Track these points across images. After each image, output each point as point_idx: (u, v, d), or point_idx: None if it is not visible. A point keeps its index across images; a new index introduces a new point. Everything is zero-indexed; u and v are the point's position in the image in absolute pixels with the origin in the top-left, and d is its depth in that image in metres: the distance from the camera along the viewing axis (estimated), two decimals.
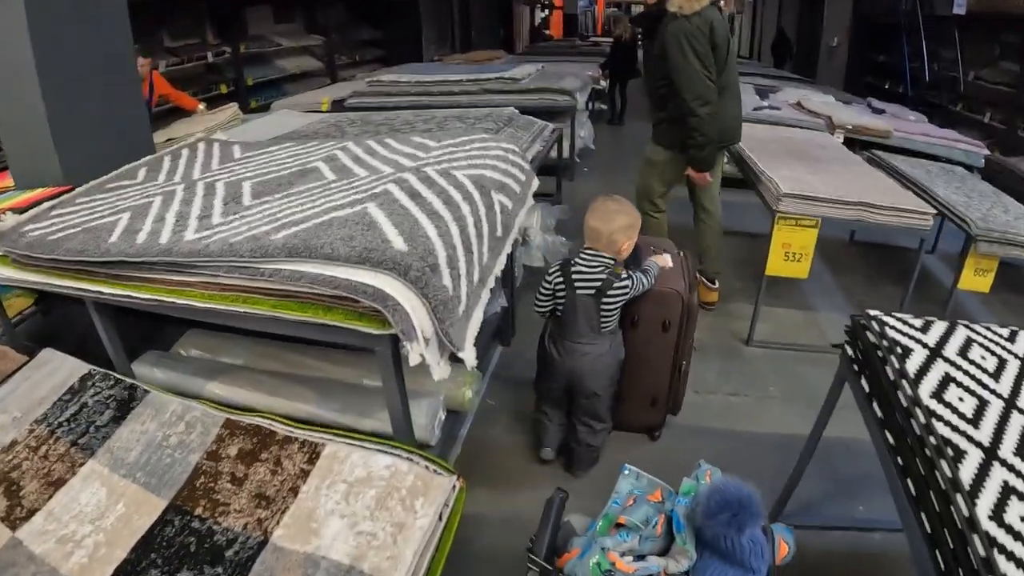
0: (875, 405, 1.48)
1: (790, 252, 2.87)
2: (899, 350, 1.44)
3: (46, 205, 2.06)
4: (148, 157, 2.45)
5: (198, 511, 1.53)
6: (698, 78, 3.03)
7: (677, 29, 3.04)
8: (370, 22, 10.62)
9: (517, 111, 3.84)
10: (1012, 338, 1.58)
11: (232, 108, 4.45)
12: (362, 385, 2.08)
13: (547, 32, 20.05)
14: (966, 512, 1.12)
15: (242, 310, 1.49)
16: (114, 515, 1.54)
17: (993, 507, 1.11)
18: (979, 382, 1.41)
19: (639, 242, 2.34)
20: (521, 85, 5.16)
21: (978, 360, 1.49)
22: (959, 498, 1.14)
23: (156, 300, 1.61)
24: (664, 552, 1.46)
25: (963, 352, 1.50)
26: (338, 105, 5.21)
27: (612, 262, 2.15)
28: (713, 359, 3.06)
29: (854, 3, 11.13)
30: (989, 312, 3.70)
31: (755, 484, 1.40)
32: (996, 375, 1.45)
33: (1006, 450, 1.23)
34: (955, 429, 1.26)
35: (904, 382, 1.37)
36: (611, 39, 9.61)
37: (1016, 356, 1.52)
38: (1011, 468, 1.19)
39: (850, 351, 1.64)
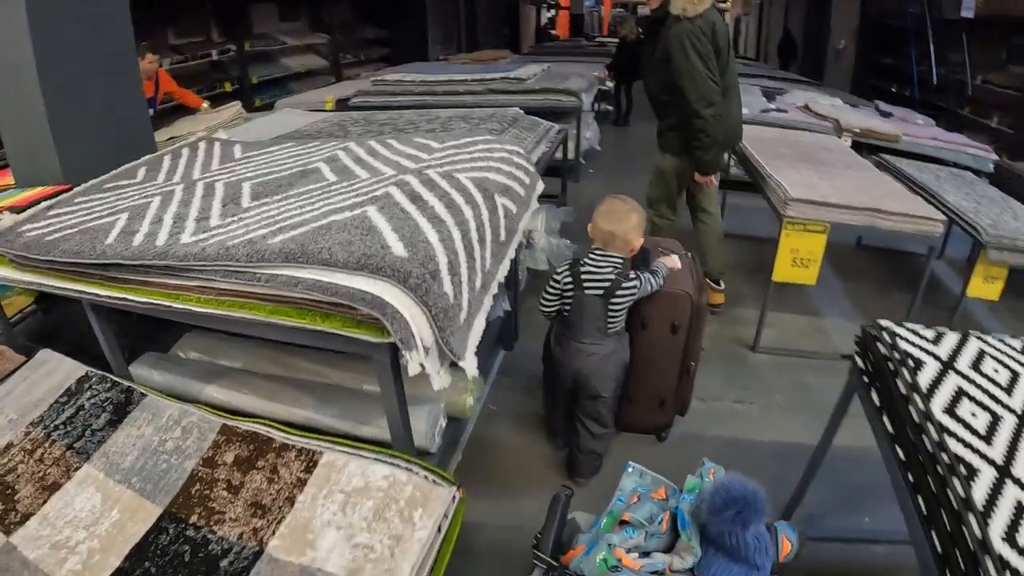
0: (885, 419, 1.44)
1: (798, 257, 2.83)
2: (911, 362, 1.40)
3: (43, 205, 2.03)
4: (148, 156, 2.42)
5: (193, 519, 1.51)
6: (702, 80, 3.03)
7: (680, 31, 3.03)
8: (375, 21, 10.62)
9: (522, 111, 3.81)
10: None
11: (235, 106, 4.42)
12: (362, 391, 2.05)
13: (553, 32, 20.01)
14: (978, 533, 1.08)
15: (239, 315, 1.46)
16: (108, 521, 1.53)
17: (1006, 528, 1.08)
18: (992, 396, 1.38)
19: (648, 243, 2.36)
20: (526, 85, 5.13)
21: (991, 373, 1.45)
22: (971, 518, 1.11)
23: (152, 304, 1.58)
24: (669, 549, 1.46)
25: (976, 365, 1.46)
26: (342, 104, 5.19)
27: (621, 262, 2.15)
28: (718, 365, 3.02)
29: (861, 5, 11.06)
30: (997, 319, 3.66)
31: None
32: (1009, 389, 1.41)
33: (1020, 468, 1.20)
34: (968, 446, 1.23)
35: (916, 396, 1.33)
36: (617, 40, 9.56)
37: None
38: None
39: (860, 362, 1.60)
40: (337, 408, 1.95)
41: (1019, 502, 1.13)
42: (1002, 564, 1.02)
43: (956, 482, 1.17)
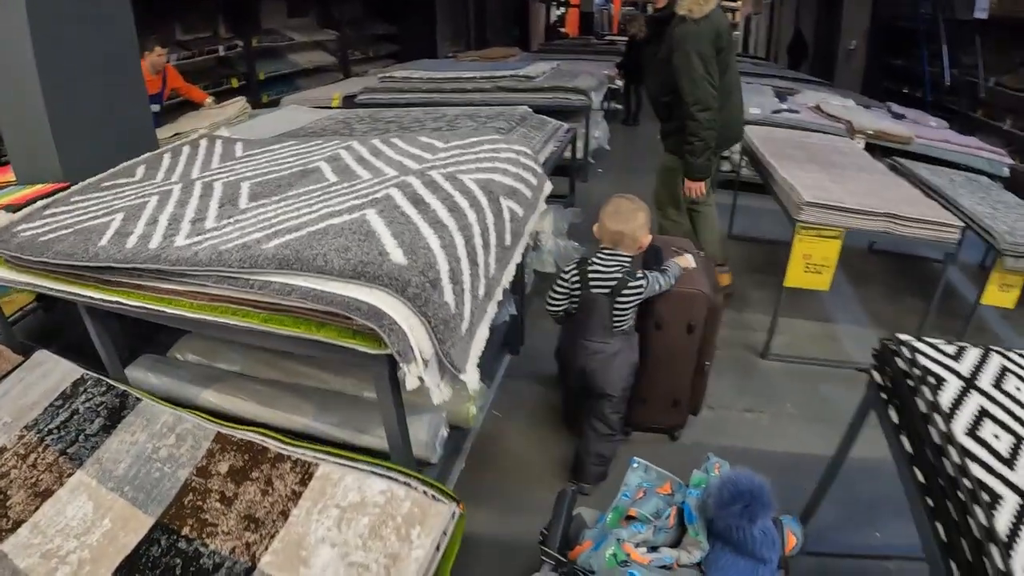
0: (904, 438, 1.38)
1: (811, 263, 2.76)
2: (931, 380, 1.34)
3: (40, 204, 2.00)
4: (148, 154, 2.38)
5: (185, 531, 1.47)
6: (701, 83, 3.03)
7: (685, 32, 3.02)
8: (384, 17, 10.56)
9: (530, 110, 3.75)
10: None
11: (240, 102, 4.38)
12: (362, 398, 1.99)
13: (563, 30, 19.91)
14: (1001, 565, 1.03)
15: (232, 323, 1.41)
16: (100, 531, 1.50)
17: None
18: (1016, 417, 1.31)
19: (659, 242, 2.36)
20: (535, 83, 5.07)
21: (1013, 392, 1.39)
22: (993, 549, 1.05)
23: (145, 308, 1.54)
24: (676, 543, 1.47)
25: (998, 383, 1.40)
26: (349, 101, 5.14)
27: (630, 261, 2.16)
28: (728, 372, 2.96)
29: (873, 6, 10.93)
30: (1011, 327, 3.59)
31: None
32: None
33: None
34: (990, 471, 1.17)
35: (937, 416, 1.27)
36: (626, 38, 9.47)
37: None
38: None
39: (878, 377, 1.54)
40: (336, 416, 1.90)
41: None
42: None
43: (978, 510, 1.11)
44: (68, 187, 2.15)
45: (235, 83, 6.76)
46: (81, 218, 1.82)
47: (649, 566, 1.38)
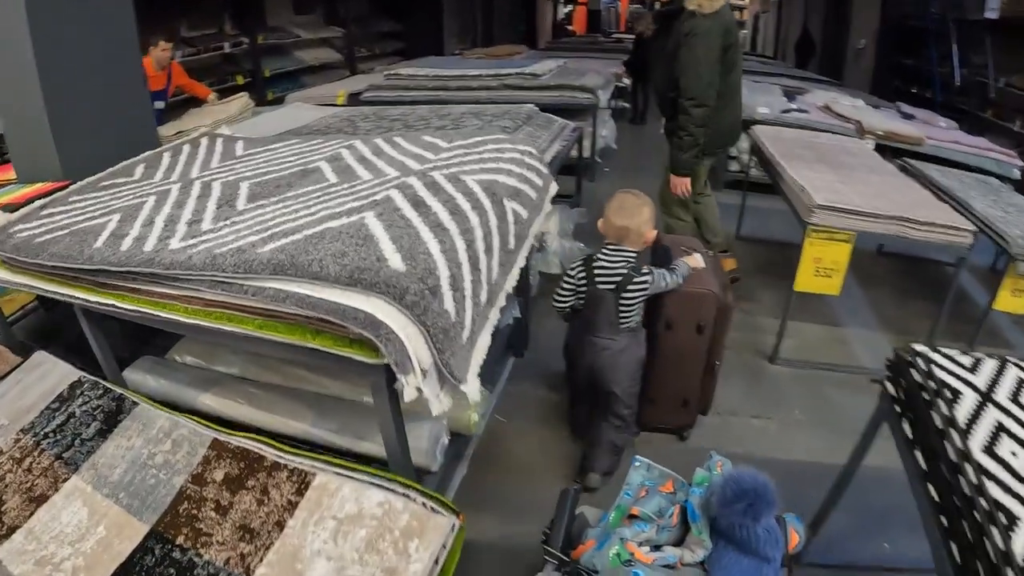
0: (918, 454, 1.33)
1: (821, 267, 2.71)
2: (947, 393, 1.29)
3: (37, 204, 1.98)
4: (148, 153, 2.35)
5: (179, 540, 1.45)
6: (703, 79, 3.03)
7: (693, 26, 3.01)
8: (391, 14, 10.52)
9: (536, 108, 3.69)
10: None
11: (242, 98, 4.34)
12: (362, 403, 1.95)
13: (570, 28, 19.82)
14: None
15: (227, 328, 1.38)
16: (94, 538, 1.48)
17: None
18: None
19: (668, 241, 2.38)
20: (541, 81, 5.01)
21: None
22: (1010, 573, 1.01)
23: (139, 312, 1.51)
24: (679, 542, 1.46)
25: (1015, 396, 1.35)
26: (355, 99, 5.10)
27: (635, 257, 2.16)
28: (736, 377, 2.90)
29: (882, 4, 10.82)
30: (1021, 332, 3.53)
31: None
32: None
33: None
34: (1008, 491, 1.12)
35: (953, 432, 1.23)
36: (633, 36, 9.40)
37: None
38: None
39: (891, 389, 1.49)
40: (335, 422, 1.86)
41: None
42: None
43: (995, 531, 1.07)
44: (67, 186, 2.12)
45: (240, 80, 6.74)
46: (78, 219, 1.79)
47: (653, 565, 1.37)
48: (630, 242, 2.16)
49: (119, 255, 1.50)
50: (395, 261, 1.32)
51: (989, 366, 1.42)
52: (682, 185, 3.32)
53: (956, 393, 1.30)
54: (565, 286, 2.24)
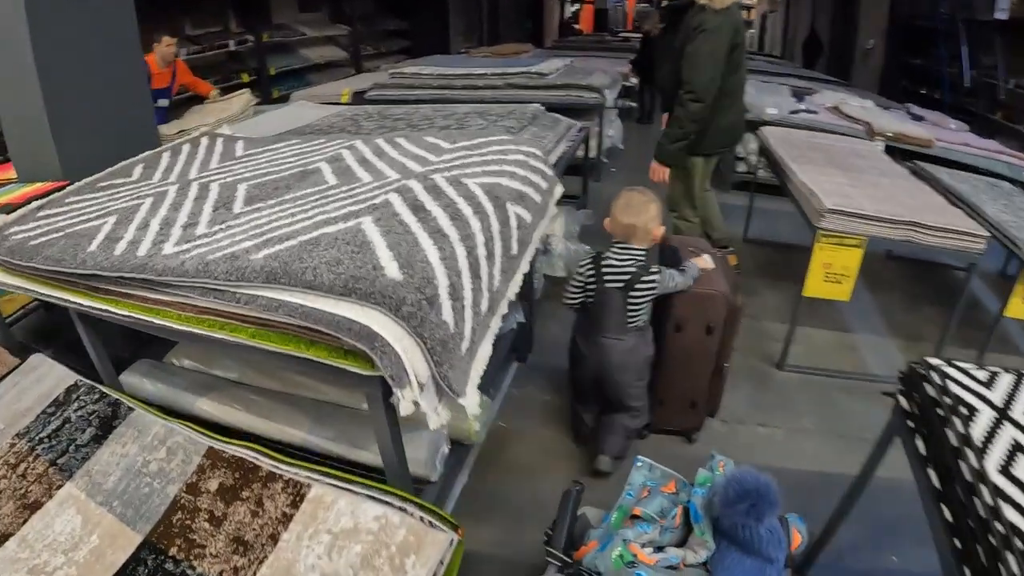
0: (931, 471, 1.29)
1: (831, 273, 2.65)
2: (963, 410, 1.25)
3: (34, 205, 1.96)
4: (147, 153, 2.33)
5: (172, 551, 1.42)
6: (705, 74, 3.01)
7: (703, 21, 2.99)
8: (396, 13, 10.49)
9: (542, 108, 3.66)
10: None
11: (244, 95, 4.31)
12: (360, 411, 1.91)
13: (577, 27, 19.74)
14: None
15: (219, 336, 1.34)
16: (87, 547, 1.46)
17: None
18: None
19: (676, 242, 2.37)
20: (548, 80, 4.98)
21: None
22: None
23: (133, 318, 1.48)
24: (682, 543, 1.46)
25: None
26: (359, 97, 5.08)
27: (643, 255, 2.15)
28: (742, 384, 2.84)
29: (891, 4, 10.71)
30: None
31: None
32: None
33: None
34: None
35: (968, 451, 1.18)
36: (640, 35, 9.34)
37: None
38: None
39: (904, 403, 1.44)
40: (333, 430, 1.83)
41: None
42: None
43: (1011, 558, 1.02)
44: (66, 186, 2.10)
45: (245, 78, 6.72)
46: (73, 221, 1.77)
47: (656, 567, 1.37)
48: (638, 240, 2.15)
49: (112, 260, 1.47)
50: (392, 270, 1.28)
51: (1005, 381, 1.37)
52: (661, 173, 3.34)
53: (972, 410, 1.25)
54: (575, 284, 2.24)
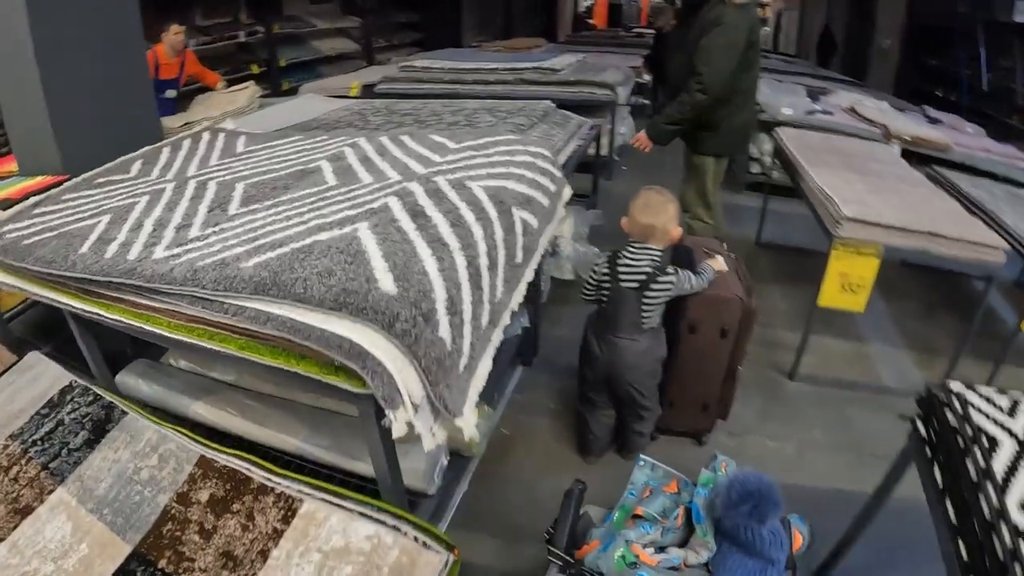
0: (948, 503, 1.22)
1: (847, 282, 2.58)
2: (985, 441, 1.19)
3: (31, 201, 1.92)
4: (146, 148, 2.28)
5: (162, 563, 1.38)
6: (717, 66, 2.98)
7: (721, 14, 2.96)
8: (409, 5, 10.42)
9: (553, 105, 3.59)
10: None
11: (250, 87, 4.25)
12: (356, 418, 1.87)
13: (590, 22, 19.56)
14: None
15: (208, 346, 1.30)
16: (77, 556, 1.42)
17: None
18: None
19: (690, 243, 2.36)
20: (560, 76, 4.91)
21: None
22: None
23: (123, 322, 1.44)
24: (683, 543, 1.47)
25: None
26: (369, 90, 5.03)
27: (660, 255, 2.14)
28: (752, 395, 2.78)
29: (908, 3, 10.51)
30: None
31: None
32: None
33: None
34: None
35: (989, 485, 1.12)
36: (654, 31, 9.22)
37: None
38: None
39: (922, 429, 1.38)
40: (328, 438, 1.78)
41: None
42: None
43: None
44: (65, 182, 2.07)
45: (256, 69, 6.67)
46: (67, 220, 1.73)
47: (658, 567, 1.37)
48: (656, 240, 2.13)
49: (102, 263, 1.43)
50: (386, 283, 1.22)
51: None
52: (645, 143, 3.33)
53: (993, 441, 1.19)
54: (591, 282, 2.23)
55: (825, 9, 13.49)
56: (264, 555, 1.31)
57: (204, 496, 1.47)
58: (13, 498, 1.52)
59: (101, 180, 2.01)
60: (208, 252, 1.37)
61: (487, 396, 1.37)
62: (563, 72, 4.99)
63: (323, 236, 1.41)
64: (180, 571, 1.36)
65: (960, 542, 1.17)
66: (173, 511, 1.46)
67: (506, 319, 1.52)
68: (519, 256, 1.70)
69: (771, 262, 4.13)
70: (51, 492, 1.53)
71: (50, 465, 1.59)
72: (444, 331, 1.21)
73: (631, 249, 2.14)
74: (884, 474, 1.58)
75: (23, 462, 1.60)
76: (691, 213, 3.48)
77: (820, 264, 2.65)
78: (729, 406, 2.47)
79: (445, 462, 1.82)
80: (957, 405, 1.27)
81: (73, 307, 1.56)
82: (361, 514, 1.33)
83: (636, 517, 1.50)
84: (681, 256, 2.31)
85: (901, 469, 1.47)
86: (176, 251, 1.41)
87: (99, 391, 1.77)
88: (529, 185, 1.97)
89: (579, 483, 1.57)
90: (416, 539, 1.28)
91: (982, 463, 1.15)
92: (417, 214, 1.53)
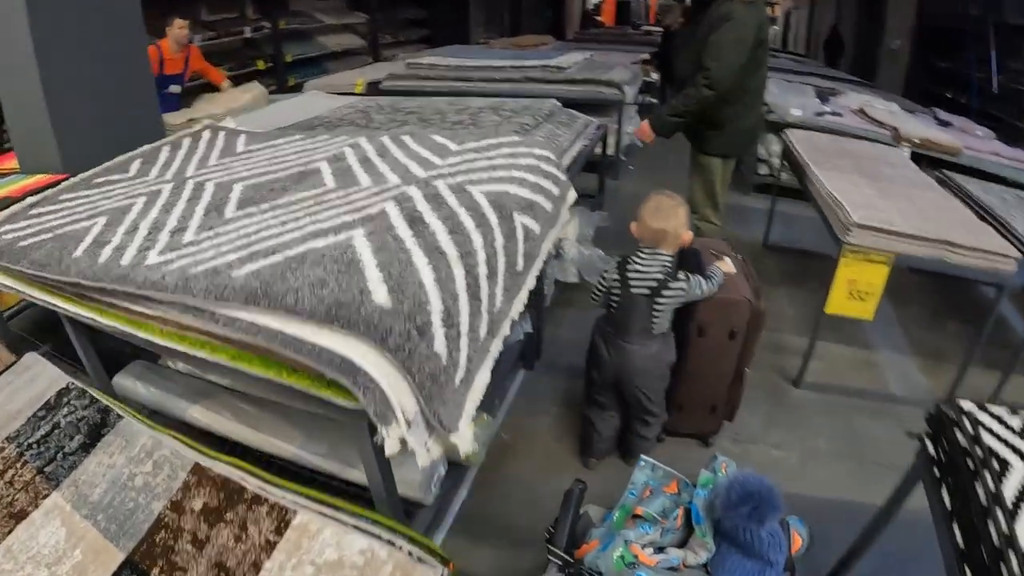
0: (956, 528, 1.19)
1: (855, 290, 2.53)
2: (995, 464, 1.15)
3: (28, 202, 1.91)
4: (146, 147, 2.26)
5: (154, 572, 1.37)
6: (725, 62, 2.96)
7: (731, 11, 2.95)
8: (416, 1, 10.36)
9: (559, 104, 3.55)
10: None
11: (255, 88, 4.23)
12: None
13: (598, 19, 19.47)
14: None
15: (201, 356, 1.27)
16: (70, 562, 1.40)
17: None
18: None
19: (698, 245, 2.35)
20: (566, 75, 4.87)
21: None
22: None
23: (117, 328, 1.42)
24: (683, 544, 1.47)
25: None
26: (374, 87, 5.00)
27: (670, 260, 2.12)
28: (757, 402, 2.74)
29: (918, 3, 10.40)
30: None
31: None
32: None
33: None
34: None
35: (998, 511, 1.08)
36: (662, 29, 9.16)
37: None
38: None
39: (931, 448, 1.34)
40: (324, 445, 1.75)
41: None
42: None
43: None
44: (63, 181, 2.05)
45: (261, 65, 6.64)
46: (64, 221, 1.71)
47: (657, 568, 1.38)
48: (667, 245, 2.12)
49: (95, 268, 1.41)
50: (380, 294, 1.18)
51: None
52: (648, 135, 3.35)
53: (1005, 464, 1.15)
54: (600, 286, 2.23)
55: (834, 8, 13.39)
56: (256, 567, 1.29)
57: (198, 504, 1.45)
58: (8, 502, 1.50)
59: (99, 180, 2.00)
60: (201, 259, 1.35)
61: (487, 404, 1.34)
62: (570, 70, 4.94)
63: (318, 243, 1.38)
64: None
65: (967, 568, 1.13)
66: (167, 519, 1.45)
67: (506, 329, 1.48)
68: (520, 263, 1.66)
69: (778, 264, 4.10)
70: (46, 497, 1.51)
71: (45, 469, 1.57)
72: (439, 345, 1.18)
73: (642, 255, 2.12)
74: (889, 486, 1.55)
75: (19, 465, 1.58)
76: (699, 214, 3.45)
77: (828, 267, 2.61)
78: (736, 408, 2.46)
79: (443, 471, 1.80)
80: (967, 424, 1.23)
81: (68, 311, 1.54)
82: (355, 527, 1.31)
83: (636, 517, 1.50)
84: (688, 258, 2.28)
85: (909, 486, 1.44)
86: (170, 256, 1.39)
87: (95, 394, 1.76)
88: (532, 189, 1.93)
89: (579, 483, 1.57)
90: (411, 554, 1.26)
91: (992, 487, 1.12)
92: (415, 220, 1.50)
